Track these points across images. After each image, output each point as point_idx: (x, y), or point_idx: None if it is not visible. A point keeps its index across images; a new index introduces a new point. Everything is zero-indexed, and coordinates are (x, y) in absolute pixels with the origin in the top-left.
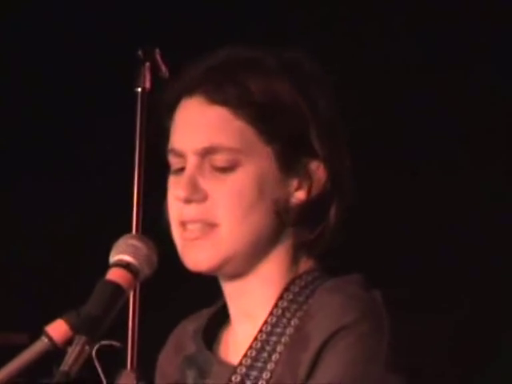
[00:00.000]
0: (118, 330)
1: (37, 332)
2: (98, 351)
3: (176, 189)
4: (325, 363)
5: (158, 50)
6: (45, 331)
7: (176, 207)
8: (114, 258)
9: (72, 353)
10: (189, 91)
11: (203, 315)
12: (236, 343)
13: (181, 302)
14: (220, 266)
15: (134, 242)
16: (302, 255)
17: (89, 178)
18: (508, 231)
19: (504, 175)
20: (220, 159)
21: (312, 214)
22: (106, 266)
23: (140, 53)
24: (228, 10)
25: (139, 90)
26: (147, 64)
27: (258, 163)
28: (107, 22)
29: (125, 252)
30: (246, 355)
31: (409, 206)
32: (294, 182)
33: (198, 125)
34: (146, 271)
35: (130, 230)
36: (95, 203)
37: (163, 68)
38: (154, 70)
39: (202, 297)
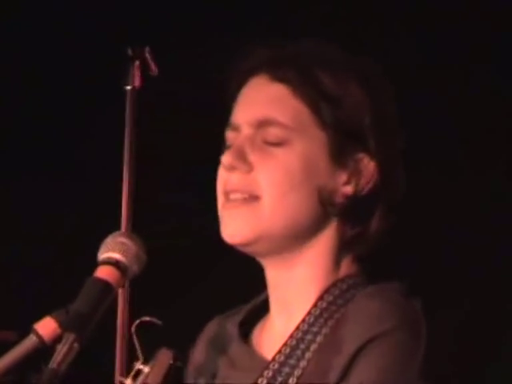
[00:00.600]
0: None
1: (27, 330)
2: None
3: (224, 157)
4: (358, 369)
5: (147, 49)
6: (33, 329)
7: (221, 176)
8: (102, 255)
9: (61, 350)
10: (254, 70)
11: (241, 311)
12: (271, 338)
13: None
14: (256, 240)
15: (123, 239)
16: (346, 256)
17: (80, 177)
18: (509, 231)
19: (504, 175)
20: (272, 133)
21: (357, 211)
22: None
23: (129, 51)
24: (218, 9)
25: (128, 88)
26: (137, 62)
27: (308, 145)
28: (97, 21)
29: (113, 249)
30: (280, 351)
31: (409, 205)
32: (343, 175)
33: (256, 99)
34: (134, 269)
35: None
36: (90, 202)
37: (153, 66)
38: (144, 69)
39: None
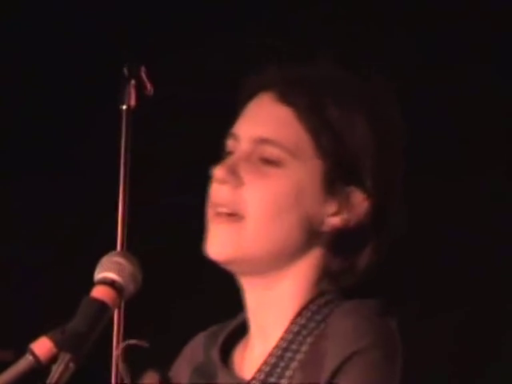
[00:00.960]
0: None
1: (23, 349)
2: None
3: (216, 169)
4: None
5: (143, 68)
6: (29, 348)
7: (213, 188)
8: (98, 275)
9: (57, 370)
10: (265, 87)
11: (221, 329)
12: (251, 359)
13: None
14: (237, 260)
15: (119, 259)
16: (325, 279)
17: (80, 178)
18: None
19: (504, 175)
20: (269, 152)
21: (344, 244)
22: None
23: (125, 70)
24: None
25: (124, 107)
26: (132, 82)
27: (303, 170)
28: (94, 38)
29: (109, 269)
30: (260, 370)
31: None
32: (333, 206)
33: (261, 116)
34: (130, 288)
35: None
36: (90, 203)
37: (148, 86)
38: (139, 88)
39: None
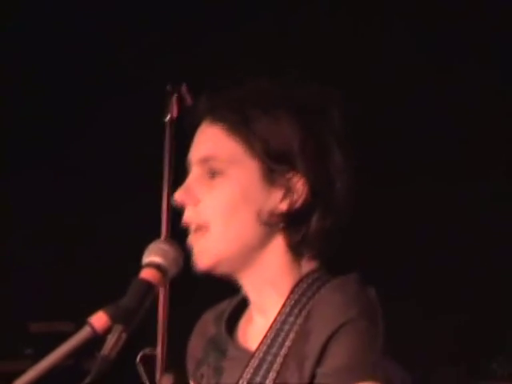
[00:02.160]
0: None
1: (82, 321)
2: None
3: (175, 195)
4: (331, 354)
5: (184, 85)
6: (88, 321)
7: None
8: (146, 259)
9: (111, 340)
10: (201, 116)
11: (225, 305)
12: (254, 331)
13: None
14: (216, 265)
15: (163, 245)
16: (302, 256)
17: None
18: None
19: (504, 176)
20: (212, 167)
21: (295, 220)
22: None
23: (169, 87)
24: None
25: (167, 118)
26: (175, 96)
27: (243, 174)
28: (144, 62)
29: (155, 254)
30: (262, 342)
31: (406, 209)
32: (279, 194)
33: (200, 140)
34: (173, 271)
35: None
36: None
37: (188, 99)
38: (181, 102)
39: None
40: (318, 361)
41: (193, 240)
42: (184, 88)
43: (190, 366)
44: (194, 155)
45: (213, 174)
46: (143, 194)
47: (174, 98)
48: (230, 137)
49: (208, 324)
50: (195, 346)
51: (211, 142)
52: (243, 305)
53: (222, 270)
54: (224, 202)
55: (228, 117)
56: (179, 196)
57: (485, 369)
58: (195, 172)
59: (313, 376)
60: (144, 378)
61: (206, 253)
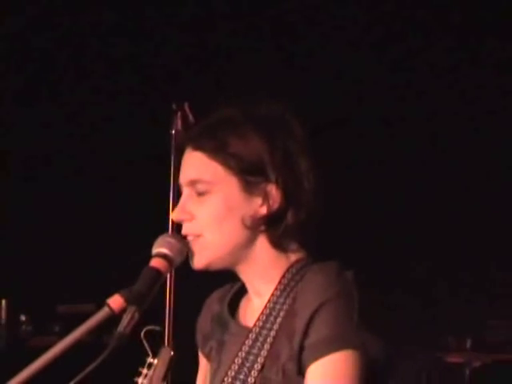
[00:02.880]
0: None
1: (101, 302)
2: (144, 333)
3: (172, 214)
4: (315, 329)
5: (186, 104)
6: (106, 303)
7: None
8: (155, 250)
9: (126, 318)
10: (185, 145)
11: (228, 289)
12: (252, 311)
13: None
14: (210, 264)
15: (170, 239)
16: (288, 247)
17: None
18: None
19: None
20: (199, 188)
21: (274, 220)
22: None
23: (173, 105)
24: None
25: (173, 131)
26: (178, 113)
27: (226, 189)
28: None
29: (163, 246)
30: (258, 319)
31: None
32: (258, 201)
33: (186, 165)
34: (178, 260)
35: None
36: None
37: (190, 116)
38: (184, 118)
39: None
40: (305, 334)
41: (191, 246)
42: (186, 106)
43: (199, 339)
44: (183, 179)
45: (200, 193)
46: (153, 195)
47: (178, 115)
48: (211, 161)
49: (214, 304)
50: (203, 322)
51: (195, 167)
52: (243, 289)
53: (216, 267)
54: (213, 214)
55: (206, 144)
56: (177, 216)
57: (441, 341)
58: (186, 193)
59: (301, 348)
60: (148, 348)
61: (202, 255)
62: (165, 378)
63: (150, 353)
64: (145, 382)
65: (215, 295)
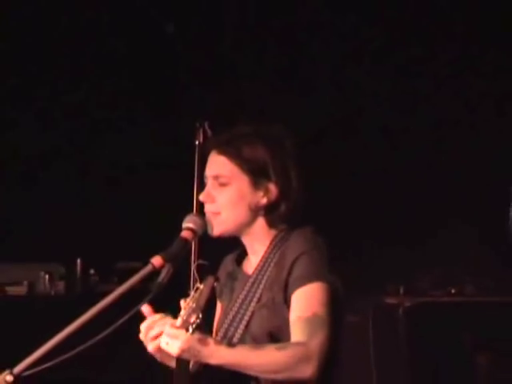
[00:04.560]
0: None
1: (146, 261)
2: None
3: (200, 196)
4: (296, 269)
5: (206, 122)
6: (150, 261)
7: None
8: (184, 225)
9: (163, 272)
10: (211, 149)
11: (236, 253)
12: (251, 264)
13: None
14: (223, 233)
15: (195, 217)
16: (277, 223)
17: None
18: None
19: None
20: (221, 181)
21: (272, 207)
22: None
23: (198, 124)
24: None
25: (197, 142)
26: (201, 129)
27: (239, 184)
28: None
29: (189, 222)
30: (255, 269)
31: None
32: (261, 193)
33: (212, 164)
34: (199, 232)
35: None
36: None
37: (209, 131)
38: (204, 132)
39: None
40: (289, 274)
41: (210, 219)
42: (207, 124)
43: (218, 293)
44: (209, 173)
45: (221, 185)
46: (183, 187)
47: (201, 131)
48: (230, 163)
49: (228, 262)
50: (220, 275)
51: (218, 166)
52: (244, 253)
53: (226, 235)
54: (228, 200)
55: (227, 151)
56: (203, 198)
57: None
58: (210, 183)
59: (286, 283)
60: (198, 278)
61: (218, 227)
62: (207, 299)
63: (198, 280)
64: (190, 301)
65: (228, 257)
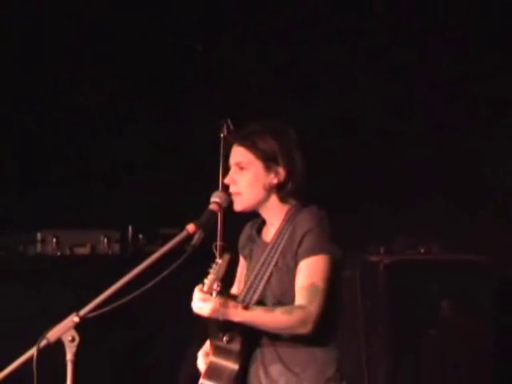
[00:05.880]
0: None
1: (183, 227)
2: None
3: (225, 179)
4: (304, 242)
5: (229, 120)
6: (185, 228)
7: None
8: (211, 199)
9: (196, 237)
10: (233, 142)
11: (256, 221)
12: (268, 234)
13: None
14: (243, 210)
15: (220, 193)
16: (288, 198)
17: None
18: None
19: None
20: (241, 166)
21: (282, 186)
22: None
23: (221, 121)
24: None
25: (222, 135)
26: (224, 125)
27: (255, 168)
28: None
29: (216, 197)
30: (272, 239)
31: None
32: (272, 175)
33: (234, 153)
34: (224, 205)
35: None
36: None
37: (231, 126)
38: (227, 127)
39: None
40: (299, 246)
41: (233, 198)
42: (229, 121)
43: (240, 247)
44: (231, 161)
45: (241, 169)
46: (213, 170)
47: (224, 126)
48: (247, 152)
49: (248, 228)
50: (242, 238)
51: (238, 155)
52: (263, 223)
53: (247, 211)
54: (247, 182)
55: (245, 143)
56: (227, 181)
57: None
58: (233, 169)
59: (297, 253)
60: (218, 253)
61: (240, 205)
62: (225, 272)
63: (217, 256)
64: (212, 272)
65: (249, 224)
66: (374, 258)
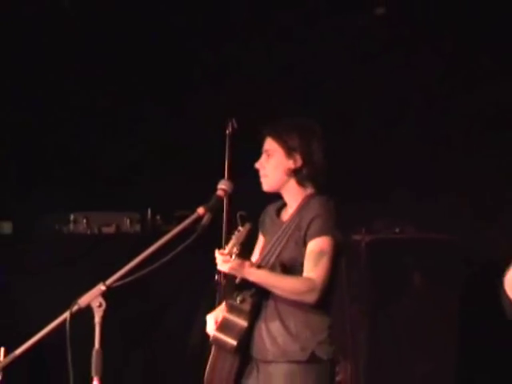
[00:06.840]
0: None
1: (193, 209)
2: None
3: (256, 164)
4: (312, 226)
5: (234, 119)
6: (196, 210)
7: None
8: (218, 186)
9: (205, 218)
10: (265, 134)
11: (278, 203)
12: (286, 214)
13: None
14: (269, 190)
15: (226, 181)
16: (306, 186)
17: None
18: None
19: None
20: (269, 154)
21: (298, 171)
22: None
23: (228, 119)
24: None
25: (227, 132)
26: (230, 123)
27: (279, 155)
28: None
29: (222, 184)
30: (288, 219)
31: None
32: (291, 161)
33: (264, 143)
34: (229, 191)
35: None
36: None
37: (235, 124)
38: (232, 125)
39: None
40: (307, 228)
41: (262, 180)
42: (234, 120)
43: (260, 224)
44: (263, 148)
45: (268, 155)
46: (220, 163)
47: (230, 124)
48: (273, 142)
49: (269, 209)
50: (264, 216)
51: (267, 144)
52: (284, 204)
53: (272, 191)
54: (272, 167)
55: (272, 134)
56: (257, 165)
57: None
58: (263, 155)
59: (305, 234)
60: (240, 222)
61: (267, 185)
62: (245, 238)
63: (240, 225)
64: (233, 238)
65: (271, 205)
66: (357, 237)
